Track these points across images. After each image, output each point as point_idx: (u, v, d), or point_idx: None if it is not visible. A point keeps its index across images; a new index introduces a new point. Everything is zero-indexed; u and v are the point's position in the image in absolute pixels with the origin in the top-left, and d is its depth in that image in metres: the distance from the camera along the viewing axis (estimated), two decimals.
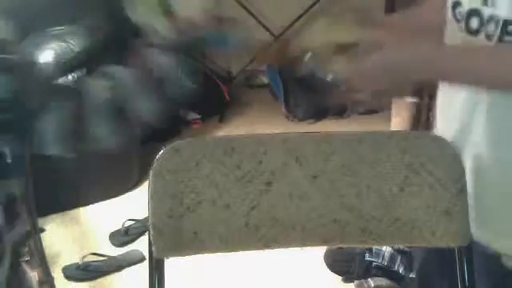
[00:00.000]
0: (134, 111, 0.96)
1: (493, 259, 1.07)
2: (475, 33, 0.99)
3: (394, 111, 3.12)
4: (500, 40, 0.94)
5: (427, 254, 1.27)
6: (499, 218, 1.07)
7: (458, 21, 1.03)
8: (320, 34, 1.09)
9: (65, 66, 2.50)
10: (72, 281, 2.27)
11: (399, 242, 1.04)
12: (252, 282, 2.26)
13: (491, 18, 0.96)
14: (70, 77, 2.52)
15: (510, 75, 0.93)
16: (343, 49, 1.07)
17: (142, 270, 2.14)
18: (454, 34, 1.05)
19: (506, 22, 0.92)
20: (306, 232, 1.01)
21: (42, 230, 2.44)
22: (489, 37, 0.96)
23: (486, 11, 0.97)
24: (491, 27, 0.96)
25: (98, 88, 0.96)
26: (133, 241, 2.50)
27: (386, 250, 2.21)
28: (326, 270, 2.27)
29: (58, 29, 2.63)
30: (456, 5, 1.03)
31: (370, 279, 2.20)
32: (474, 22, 0.99)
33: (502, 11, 0.93)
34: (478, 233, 1.05)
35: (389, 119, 3.16)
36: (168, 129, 3.23)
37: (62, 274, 2.28)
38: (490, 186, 1.05)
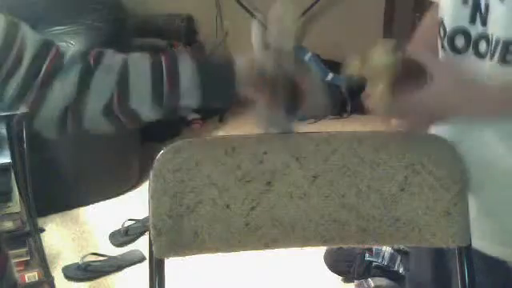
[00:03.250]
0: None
1: (497, 263, 1.07)
2: (461, 51, 0.98)
3: None
4: (503, 59, 0.92)
5: (421, 254, 1.27)
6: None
7: (441, 38, 1.02)
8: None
9: None
10: (72, 281, 2.27)
11: (399, 242, 1.04)
12: (252, 282, 2.26)
13: (481, 37, 0.95)
14: None
15: None
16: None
17: (142, 270, 2.15)
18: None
19: (506, 43, 0.91)
20: (306, 232, 1.01)
21: (42, 230, 2.44)
22: (480, 55, 0.95)
23: (474, 30, 0.96)
24: (482, 46, 0.95)
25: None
26: (133, 241, 2.50)
27: (386, 250, 2.21)
28: (326, 269, 2.28)
29: (57, 29, 2.63)
30: (441, 23, 1.02)
31: (370, 279, 2.21)
32: (460, 41, 0.98)
33: (499, 32, 0.92)
34: (482, 244, 1.05)
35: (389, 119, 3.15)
36: (168, 129, 3.24)
37: (62, 274, 2.28)
38: (495, 192, 1.04)
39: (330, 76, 4.18)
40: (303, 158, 1.00)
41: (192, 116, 3.54)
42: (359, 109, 3.58)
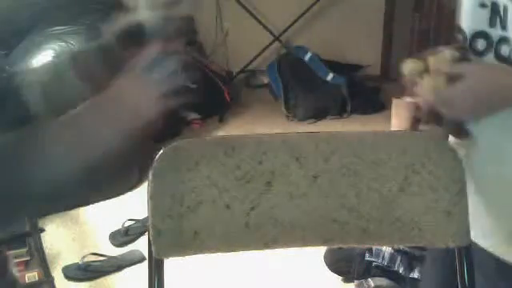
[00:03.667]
0: None
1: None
2: (481, 54, 0.98)
3: (393, 111, 3.12)
4: None
5: (436, 256, 1.27)
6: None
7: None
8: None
9: None
10: (72, 281, 2.27)
11: (399, 242, 1.04)
12: (252, 282, 2.26)
13: (503, 41, 0.94)
14: None
15: None
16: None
17: (142, 270, 2.14)
18: None
19: None
20: (306, 232, 1.01)
21: (42, 230, 2.44)
22: (502, 58, 0.95)
23: (494, 33, 0.95)
24: (504, 50, 0.94)
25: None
26: (133, 241, 2.50)
27: (386, 250, 2.21)
28: (326, 269, 2.27)
29: (57, 29, 2.62)
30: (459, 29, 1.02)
31: (370, 279, 2.20)
32: (480, 44, 0.98)
33: None
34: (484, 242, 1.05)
35: (389, 119, 3.15)
36: (168, 129, 3.23)
37: (62, 274, 2.28)
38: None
39: (330, 76, 4.20)
40: (303, 158, 1.00)
41: (192, 116, 3.54)
42: (359, 109, 3.58)
